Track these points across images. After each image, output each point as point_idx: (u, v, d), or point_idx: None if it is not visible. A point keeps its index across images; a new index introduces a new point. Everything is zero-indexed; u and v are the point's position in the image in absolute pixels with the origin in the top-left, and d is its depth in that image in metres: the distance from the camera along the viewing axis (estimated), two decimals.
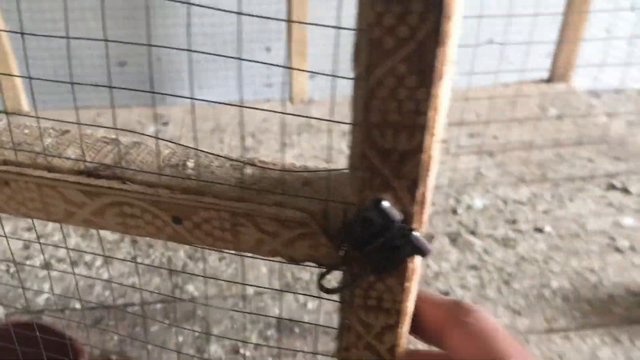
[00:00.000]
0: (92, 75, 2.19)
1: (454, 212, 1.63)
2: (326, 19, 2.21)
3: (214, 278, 0.98)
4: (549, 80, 2.29)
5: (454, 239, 1.53)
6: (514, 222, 1.60)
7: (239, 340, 1.23)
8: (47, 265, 1.42)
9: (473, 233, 1.56)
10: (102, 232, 1.53)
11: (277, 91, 2.32)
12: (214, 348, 1.23)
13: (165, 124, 2.01)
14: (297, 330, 1.27)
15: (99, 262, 1.44)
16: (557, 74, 2.27)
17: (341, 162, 1.83)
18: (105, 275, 1.40)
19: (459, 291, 1.38)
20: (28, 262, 1.43)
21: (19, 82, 1.99)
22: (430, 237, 1.53)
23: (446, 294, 1.37)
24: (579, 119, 2.06)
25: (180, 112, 2.09)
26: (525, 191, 1.71)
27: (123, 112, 2.08)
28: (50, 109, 2.07)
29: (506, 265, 1.45)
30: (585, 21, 2.13)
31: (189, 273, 1.42)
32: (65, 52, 2.15)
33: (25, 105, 2.04)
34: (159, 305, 1.32)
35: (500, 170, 1.81)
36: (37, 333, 1.07)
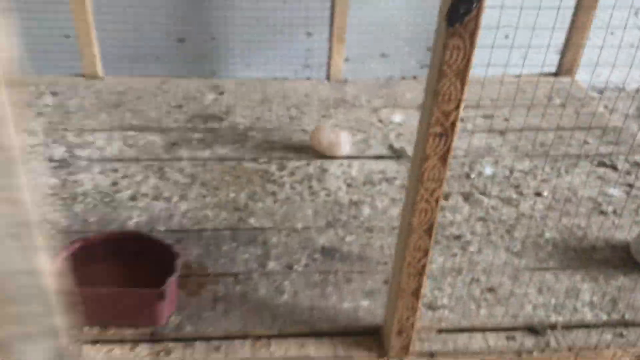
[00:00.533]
0: (156, 48, 2.51)
1: (468, 177, 1.94)
2: (364, 9, 2.52)
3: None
4: (556, 74, 2.59)
5: (466, 197, 1.84)
6: (517, 187, 1.91)
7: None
8: (133, 198, 1.75)
9: (483, 193, 1.87)
10: (175, 176, 1.85)
11: (315, 71, 2.63)
12: (273, 264, 1.55)
13: (221, 93, 2.33)
14: (337, 255, 1.59)
15: (175, 198, 1.76)
16: (563, 69, 2.57)
17: (372, 131, 2.15)
18: (182, 208, 1.72)
19: (469, 236, 1.69)
20: (117, 195, 1.75)
21: (96, 50, 2.31)
22: (447, 195, 1.84)
23: (458, 237, 1.69)
24: (580, 109, 2.36)
25: (234, 84, 2.40)
26: (529, 164, 2.02)
27: (184, 82, 2.39)
28: (121, 75, 2.39)
29: (509, 219, 1.76)
30: (591, 22, 2.43)
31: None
32: (134, 27, 2.47)
33: (101, 71, 2.36)
34: (227, 232, 1.65)
35: (509, 146, 2.12)
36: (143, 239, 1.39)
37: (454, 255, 1.63)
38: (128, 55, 2.50)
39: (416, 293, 1.25)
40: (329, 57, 2.44)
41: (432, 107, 1.02)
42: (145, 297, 1.29)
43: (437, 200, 1.12)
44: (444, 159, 1.08)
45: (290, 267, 1.54)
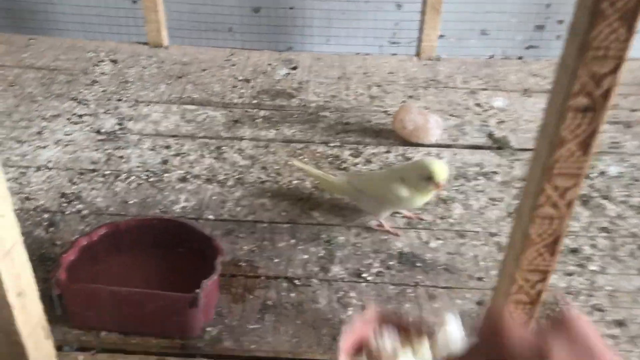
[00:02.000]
0: (230, 16, 2.27)
1: (587, 176, 1.56)
2: None
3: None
4: None
5: (585, 201, 1.47)
6: None
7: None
8: (183, 179, 1.50)
9: (606, 198, 1.49)
10: (233, 157, 1.59)
11: (403, 47, 2.30)
12: (337, 269, 1.26)
13: (294, 68, 2.06)
14: (418, 264, 1.27)
15: (230, 182, 1.50)
16: None
17: (467, 116, 1.81)
18: (237, 194, 1.46)
19: (589, 250, 1.33)
20: (166, 175, 1.52)
21: (162, 17, 2.10)
22: None
23: (575, 250, 1.33)
24: None
25: (309, 59, 2.12)
26: None
27: (255, 55, 2.14)
28: (187, 45, 2.17)
29: None
30: None
31: None
32: None
33: (166, 40, 2.14)
34: (286, 225, 1.37)
35: (638, 141, 1.72)
36: (184, 229, 1.13)
37: (570, 274, 1.27)
38: (196, 24, 2.27)
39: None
40: (421, 32, 2.11)
41: (576, 66, 0.69)
42: (174, 302, 1.03)
43: (569, 205, 0.79)
44: (586, 144, 0.74)
45: (358, 274, 1.25)
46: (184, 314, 1.04)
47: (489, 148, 1.67)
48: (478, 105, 1.88)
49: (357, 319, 0.96)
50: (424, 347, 0.95)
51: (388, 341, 0.95)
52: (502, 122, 1.79)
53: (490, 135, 1.72)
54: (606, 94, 0.70)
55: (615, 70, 0.69)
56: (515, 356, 0.39)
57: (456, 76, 2.04)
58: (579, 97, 0.71)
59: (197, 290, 1.02)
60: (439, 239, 1.35)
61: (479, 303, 1.19)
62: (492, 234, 1.37)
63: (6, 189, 0.80)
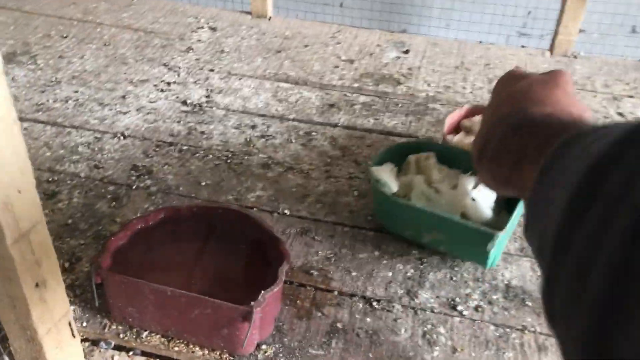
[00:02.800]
0: None
1: None
2: None
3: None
4: None
5: None
6: None
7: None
8: (264, 166, 1.34)
9: None
10: (323, 146, 1.41)
11: (534, 40, 2.01)
12: (427, 295, 1.04)
13: (406, 52, 1.83)
14: (529, 303, 1.03)
15: (316, 174, 1.32)
16: None
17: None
18: (321, 189, 1.27)
19: None
20: (246, 158, 1.36)
21: None
22: None
23: None
24: None
25: (423, 43, 1.89)
26: None
27: (364, 34, 1.93)
28: (293, 18, 2.00)
29: None
30: None
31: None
32: None
33: (270, 10, 1.99)
34: (371, 233, 1.17)
35: None
36: (249, 222, 0.96)
37: None
38: None
39: None
40: (558, 23, 1.81)
41: None
42: (224, 312, 0.86)
43: None
44: None
45: (453, 306, 1.02)
46: (235, 327, 0.87)
47: None
48: (620, 114, 1.57)
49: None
50: None
51: None
52: None
53: None
54: None
55: None
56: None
57: (596, 78, 1.73)
58: None
59: (252, 303, 0.84)
60: None
61: None
62: None
63: (28, 161, 0.65)
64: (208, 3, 2.14)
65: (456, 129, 1.36)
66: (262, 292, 0.86)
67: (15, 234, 0.66)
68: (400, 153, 1.20)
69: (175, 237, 1.03)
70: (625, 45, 1.94)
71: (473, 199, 1.06)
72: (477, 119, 1.34)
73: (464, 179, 1.10)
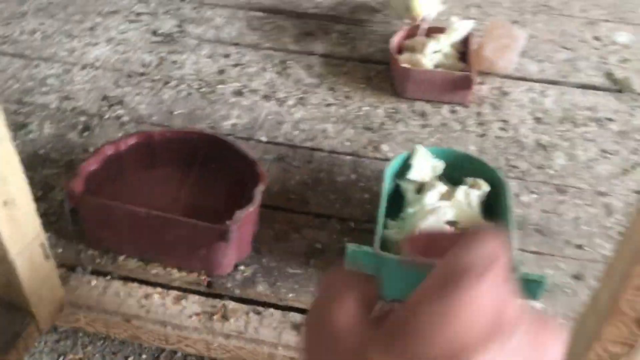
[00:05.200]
0: None
1: None
2: None
3: None
4: None
5: None
6: None
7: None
8: (238, 93, 1.31)
9: None
10: (299, 74, 1.38)
11: None
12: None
13: None
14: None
15: (291, 101, 1.30)
16: None
17: (582, 51, 1.50)
18: (297, 116, 1.26)
19: None
20: (219, 87, 1.33)
21: None
22: None
23: None
24: None
25: None
26: None
27: None
28: None
29: None
30: None
31: None
32: None
33: None
34: (348, 158, 1.16)
35: None
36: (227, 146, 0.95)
37: None
38: None
39: None
40: None
41: None
42: (200, 232, 0.86)
43: None
44: None
45: None
46: (212, 247, 0.87)
47: (606, 90, 1.37)
48: (597, 38, 1.56)
49: None
50: None
51: None
52: (625, 60, 1.47)
53: (609, 75, 1.42)
54: None
55: None
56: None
57: (573, 2, 1.71)
58: None
59: (228, 222, 0.84)
60: (533, 192, 1.10)
61: (576, 277, 0.95)
62: (601, 193, 1.10)
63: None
64: None
65: (400, 49, 1.40)
66: (237, 211, 0.86)
67: None
68: None
69: (149, 163, 1.02)
70: None
71: None
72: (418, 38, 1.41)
73: None
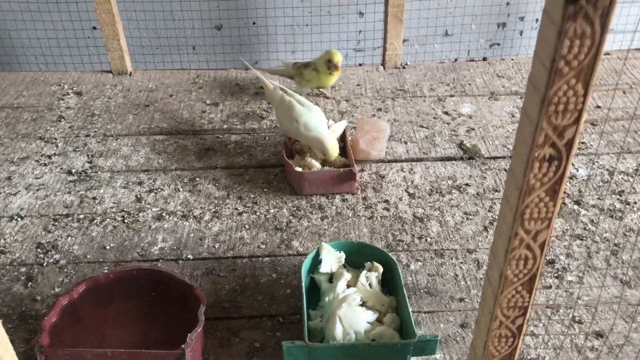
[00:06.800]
0: (191, 37, 2.25)
1: None
2: None
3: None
4: None
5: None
6: (620, 193, 1.55)
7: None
8: (159, 218, 1.50)
9: (578, 203, 1.52)
10: (208, 189, 1.59)
11: (368, 56, 2.31)
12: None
13: (262, 87, 2.05)
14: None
15: (207, 216, 1.50)
16: None
17: (437, 126, 1.82)
18: (215, 229, 1.46)
19: (564, 260, 1.36)
20: (141, 215, 1.51)
21: (124, 44, 2.07)
22: None
23: (551, 262, 1.36)
24: None
25: (276, 77, 2.12)
26: (633, 162, 1.66)
27: (221, 75, 2.13)
28: (152, 70, 2.15)
29: (614, 235, 1.42)
30: None
31: None
32: (165, 15, 2.21)
33: (129, 66, 2.12)
34: (266, 259, 1.38)
35: (605, 140, 1.75)
36: (163, 278, 1.13)
37: (548, 287, 1.30)
38: (159, 47, 2.25)
39: (508, 358, 0.95)
40: (385, 41, 2.12)
41: (539, 121, 0.70)
42: (162, 359, 1.03)
43: (542, 246, 0.81)
44: (554, 191, 0.76)
45: None
46: None
47: (460, 159, 1.69)
48: (446, 113, 1.90)
49: None
50: None
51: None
52: (471, 129, 1.81)
53: (460, 145, 1.74)
54: (570, 144, 0.72)
55: (576, 121, 0.70)
56: None
57: (423, 84, 2.05)
58: (544, 148, 0.72)
59: (183, 346, 1.02)
60: (418, 260, 1.37)
61: (463, 325, 1.21)
62: (470, 251, 1.39)
63: None
64: (67, 67, 2.22)
65: (290, 153, 1.68)
66: (189, 334, 1.04)
67: None
68: None
69: (99, 303, 1.18)
70: (441, 50, 2.29)
71: None
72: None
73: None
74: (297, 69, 1.90)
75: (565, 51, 0.64)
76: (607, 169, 1.64)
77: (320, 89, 1.97)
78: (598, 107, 1.91)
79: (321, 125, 1.56)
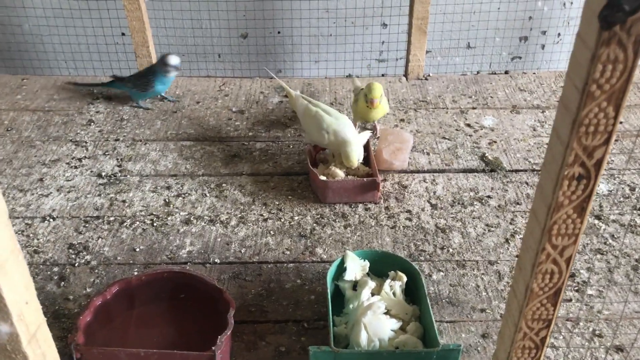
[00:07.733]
0: (217, 45, 2.30)
1: None
2: None
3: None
4: None
5: None
6: None
7: None
8: (187, 222, 1.53)
9: (598, 217, 1.54)
10: (234, 195, 1.63)
11: (390, 67, 2.34)
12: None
13: (286, 96, 2.09)
14: None
15: (233, 221, 1.54)
16: None
17: (459, 138, 1.85)
18: (241, 234, 1.50)
19: (585, 274, 1.38)
20: (169, 218, 1.55)
21: (152, 51, 2.12)
22: None
23: (572, 275, 1.38)
24: None
25: (300, 84, 2.15)
26: None
27: (246, 83, 2.17)
28: (179, 77, 2.19)
29: (635, 251, 1.44)
30: None
31: None
32: (193, 24, 2.26)
33: None
34: (291, 265, 1.41)
35: (626, 155, 1.77)
36: (193, 282, 1.17)
37: (568, 300, 1.32)
38: (186, 54, 2.30)
39: None
40: (408, 53, 2.15)
41: (570, 141, 0.73)
42: None
43: (568, 261, 0.83)
44: (581, 208, 0.78)
45: None
46: None
47: (482, 171, 1.72)
48: (468, 125, 1.92)
49: None
50: None
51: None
52: (493, 142, 1.83)
53: (482, 157, 1.76)
54: (599, 163, 0.75)
55: (605, 142, 0.73)
56: None
57: (445, 95, 2.08)
58: (573, 167, 0.75)
59: (213, 348, 1.06)
60: (440, 270, 1.39)
61: (484, 336, 1.24)
62: (491, 262, 1.41)
63: (28, 274, 0.83)
64: (97, 73, 2.27)
65: (315, 162, 1.70)
66: (219, 336, 1.08)
67: (27, 336, 0.83)
68: None
69: (130, 305, 1.22)
70: (463, 62, 2.32)
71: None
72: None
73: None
74: (354, 96, 1.80)
75: (597, 75, 0.67)
76: (629, 185, 1.65)
77: (365, 122, 1.84)
78: (620, 122, 1.93)
79: (349, 131, 1.59)
